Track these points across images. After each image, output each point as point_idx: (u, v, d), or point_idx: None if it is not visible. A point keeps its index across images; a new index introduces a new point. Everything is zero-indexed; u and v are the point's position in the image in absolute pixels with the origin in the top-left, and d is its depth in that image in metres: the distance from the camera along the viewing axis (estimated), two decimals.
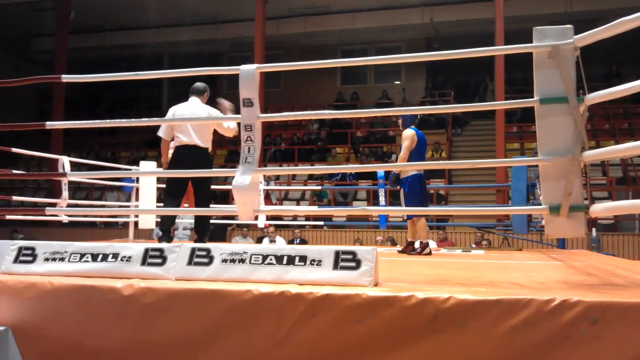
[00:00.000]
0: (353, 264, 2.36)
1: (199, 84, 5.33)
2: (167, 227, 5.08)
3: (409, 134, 5.67)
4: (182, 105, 5.20)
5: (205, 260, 2.53)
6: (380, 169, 6.46)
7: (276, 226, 10.22)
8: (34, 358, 2.47)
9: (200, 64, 4.30)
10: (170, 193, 5.14)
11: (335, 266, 2.37)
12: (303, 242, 11.72)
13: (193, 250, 2.58)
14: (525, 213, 6.54)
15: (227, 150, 17.35)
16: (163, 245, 2.67)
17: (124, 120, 3.61)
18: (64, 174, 4.64)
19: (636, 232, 11.81)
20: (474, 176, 14.49)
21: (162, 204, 5.39)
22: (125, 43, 19.53)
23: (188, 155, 5.01)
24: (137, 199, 7.32)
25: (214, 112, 5.18)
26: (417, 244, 5.81)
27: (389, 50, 18.44)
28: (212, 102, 5.33)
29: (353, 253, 2.39)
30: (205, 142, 5.12)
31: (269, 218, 8.71)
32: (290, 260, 2.43)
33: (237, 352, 2.25)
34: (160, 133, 5.20)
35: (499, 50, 6.66)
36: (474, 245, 10.47)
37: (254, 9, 15.10)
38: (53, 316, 2.47)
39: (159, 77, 3.73)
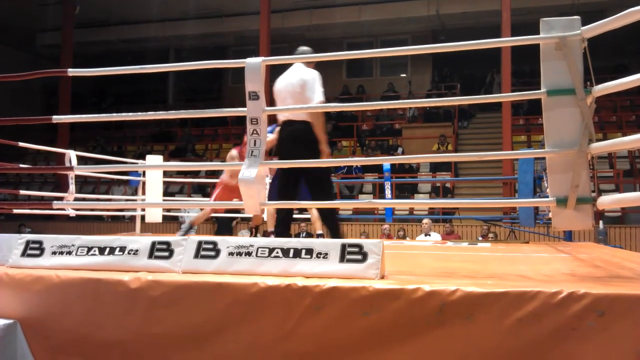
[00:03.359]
0: (359, 257, 2.35)
1: (302, 48, 4.55)
2: (283, 231, 4.46)
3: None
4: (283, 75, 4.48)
5: (212, 253, 2.53)
6: (386, 161, 6.45)
7: None
8: (42, 351, 2.49)
9: (206, 57, 4.28)
10: (281, 187, 4.47)
11: (342, 259, 2.37)
12: (309, 235, 11.73)
13: (200, 243, 2.58)
14: (532, 205, 6.51)
15: (233, 143, 17.36)
16: (170, 238, 2.68)
17: (130, 114, 3.60)
18: (71, 168, 4.65)
19: None
20: (481, 169, 14.46)
21: (169, 199, 5.35)
22: (131, 37, 19.53)
23: (284, 132, 4.36)
24: (143, 193, 7.34)
25: (310, 76, 4.28)
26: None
27: (395, 43, 18.37)
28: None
29: (359, 246, 2.39)
30: (302, 115, 4.28)
31: None
32: (297, 254, 2.43)
33: (244, 345, 2.26)
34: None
35: (506, 42, 6.62)
36: (480, 238, 10.46)
37: (259, 1, 15.07)
38: (61, 309, 2.49)
39: (164, 71, 3.73)
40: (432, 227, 10.39)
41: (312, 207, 5.32)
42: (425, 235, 9.83)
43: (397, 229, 11.62)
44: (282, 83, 4.42)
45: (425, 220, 10.09)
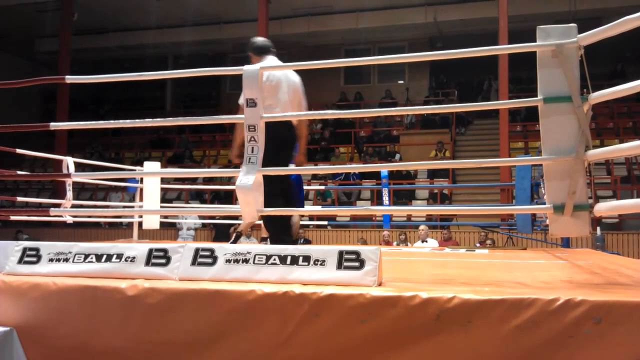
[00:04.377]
0: (357, 264, 2.35)
1: (265, 41, 4.35)
2: (287, 233, 4.03)
3: None
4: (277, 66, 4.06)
5: (209, 260, 2.53)
6: (383, 168, 6.46)
7: None
8: (38, 358, 2.47)
9: (204, 64, 4.28)
10: (277, 190, 3.92)
11: (339, 266, 2.37)
12: (307, 242, 11.72)
13: (197, 250, 2.58)
14: (529, 212, 6.52)
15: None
16: (167, 245, 2.67)
17: (127, 120, 3.60)
18: (68, 175, 4.65)
19: None
20: (478, 175, 14.48)
21: (167, 205, 5.31)
22: (129, 44, 19.56)
23: (289, 135, 3.94)
24: (141, 199, 7.33)
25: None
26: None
27: (393, 49, 18.43)
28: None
29: (357, 253, 2.39)
30: (295, 121, 4.10)
31: None
32: (294, 260, 2.43)
33: (242, 352, 2.25)
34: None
35: (503, 49, 6.64)
36: (478, 245, 10.45)
37: (257, 9, 15.10)
38: (57, 317, 2.48)
39: (162, 78, 3.72)
40: (430, 234, 10.38)
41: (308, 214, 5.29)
42: (422, 241, 9.82)
43: (397, 233, 11.63)
44: (296, 82, 4.20)
45: (421, 227, 10.09)
